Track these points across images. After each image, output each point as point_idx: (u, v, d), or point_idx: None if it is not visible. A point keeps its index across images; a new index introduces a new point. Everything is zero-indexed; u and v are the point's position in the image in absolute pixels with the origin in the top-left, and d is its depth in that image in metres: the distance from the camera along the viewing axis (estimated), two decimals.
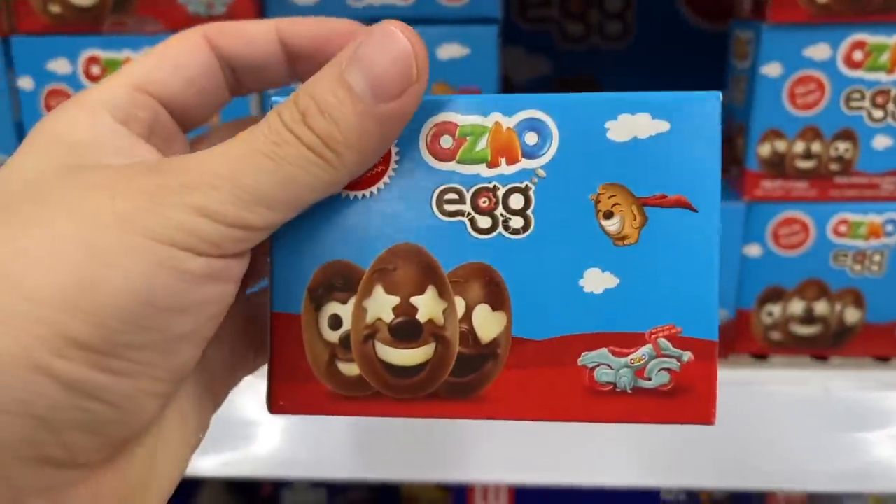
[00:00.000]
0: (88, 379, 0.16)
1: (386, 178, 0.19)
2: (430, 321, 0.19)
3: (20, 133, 0.39)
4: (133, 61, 0.20)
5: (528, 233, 0.19)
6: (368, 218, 0.19)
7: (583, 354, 0.19)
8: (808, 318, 0.40)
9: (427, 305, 0.19)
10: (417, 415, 0.20)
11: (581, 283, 0.19)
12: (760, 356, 0.42)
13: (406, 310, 0.19)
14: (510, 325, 0.19)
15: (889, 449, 0.40)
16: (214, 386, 0.21)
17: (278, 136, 0.17)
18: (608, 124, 0.19)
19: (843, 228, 0.39)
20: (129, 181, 0.16)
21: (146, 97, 0.20)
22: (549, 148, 0.19)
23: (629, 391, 0.19)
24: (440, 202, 0.19)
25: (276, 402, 0.20)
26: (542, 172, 0.19)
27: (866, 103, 0.37)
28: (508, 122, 0.19)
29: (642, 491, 0.45)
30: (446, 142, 0.19)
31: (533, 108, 0.19)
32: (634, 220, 0.19)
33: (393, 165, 0.19)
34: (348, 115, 0.17)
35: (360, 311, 0.19)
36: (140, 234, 0.16)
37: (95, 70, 0.38)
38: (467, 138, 0.19)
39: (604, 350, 0.19)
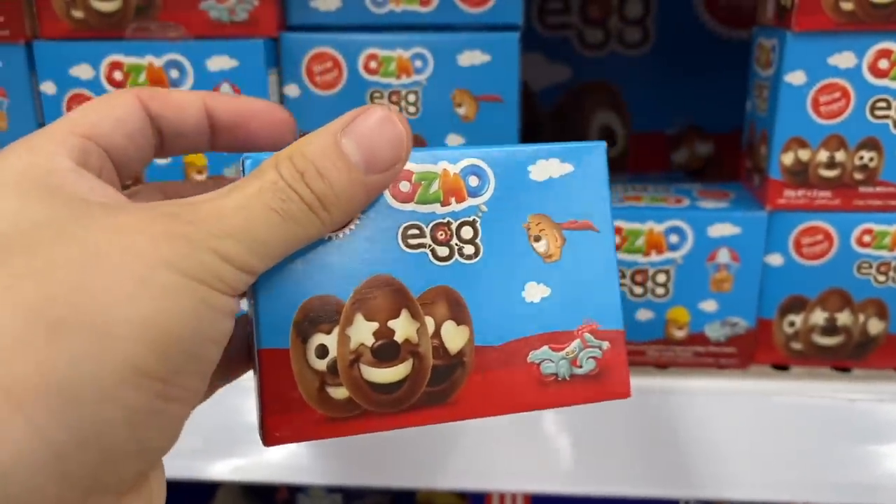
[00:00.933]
0: (151, 407, 0.17)
1: (357, 220, 0.22)
2: (407, 340, 0.22)
3: None
4: (73, 113, 0.21)
5: (478, 258, 0.23)
6: (344, 255, 0.22)
7: (531, 353, 0.23)
8: (831, 328, 0.40)
9: (402, 327, 0.22)
10: (402, 426, 0.22)
11: (523, 294, 0.23)
12: (781, 367, 0.42)
13: (385, 333, 0.22)
14: (473, 336, 0.23)
15: None
16: None
17: (283, 193, 0.19)
18: (530, 168, 0.23)
19: (867, 238, 0.38)
20: (157, 226, 0.18)
21: (95, 146, 0.21)
22: (487, 188, 0.23)
23: (568, 378, 0.23)
24: (405, 237, 0.22)
25: (271, 435, 0.21)
26: (484, 208, 0.23)
27: (892, 112, 0.36)
28: (454, 169, 0.23)
29: (658, 500, 0.45)
30: (405, 187, 0.22)
31: (472, 158, 0.23)
32: (557, 241, 0.23)
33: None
34: (343, 181, 0.20)
35: (344, 339, 0.22)
36: (184, 275, 0.17)
37: (118, 75, 0.38)
38: (422, 183, 0.22)
39: (546, 347, 0.23)
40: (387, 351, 0.22)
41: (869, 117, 0.37)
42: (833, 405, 0.39)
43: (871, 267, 0.39)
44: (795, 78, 0.37)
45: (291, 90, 0.39)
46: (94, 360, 0.16)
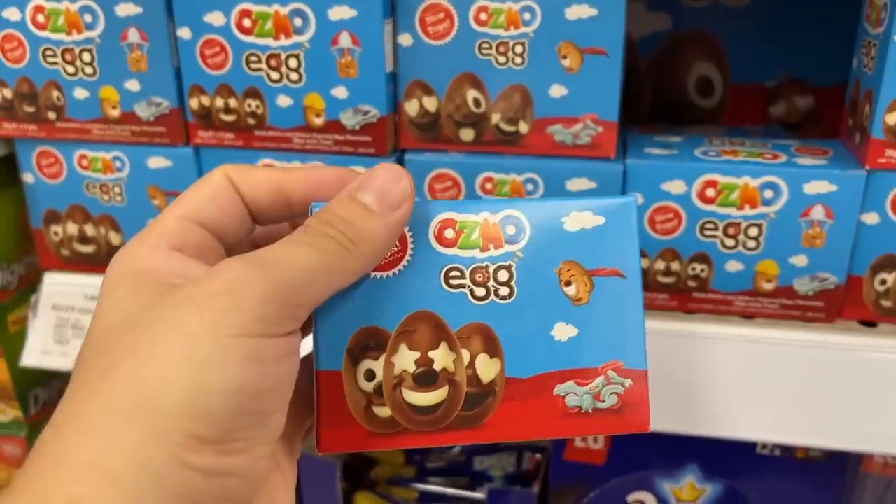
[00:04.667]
0: (218, 463, 0.20)
1: (405, 262, 0.25)
2: (444, 369, 0.25)
3: (178, 78, 0.43)
4: (180, 196, 0.25)
5: (512, 299, 0.25)
6: (393, 292, 0.25)
7: (556, 387, 0.25)
8: None
9: (441, 357, 0.25)
10: (437, 444, 0.25)
11: (552, 333, 0.25)
12: (869, 323, 0.42)
13: (425, 361, 0.25)
14: (504, 369, 0.25)
15: None
16: (293, 437, 0.26)
17: (314, 233, 0.23)
18: (563, 219, 0.25)
19: None
20: (204, 288, 0.21)
21: (192, 224, 0.24)
22: (524, 237, 0.25)
23: (591, 411, 0.26)
24: (447, 278, 0.25)
25: (324, 444, 0.25)
26: (520, 254, 0.25)
27: None
28: (494, 219, 0.25)
29: (738, 442, 0.47)
30: (449, 233, 0.25)
31: (511, 209, 0.25)
32: (586, 286, 0.25)
33: (409, 251, 0.25)
34: (362, 220, 0.23)
35: (389, 365, 0.25)
36: (225, 333, 0.20)
37: (247, 22, 0.41)
38: (464, 230, 0.25)
39: (571, 382, 0.25)
40: (426, 377, 0.25)
41: None
42: None
43: None
44: None
45: (405, 39, 0.41)
46: (159, 440, 0.20)
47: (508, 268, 0.25)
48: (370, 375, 0.25)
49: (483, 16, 0.40)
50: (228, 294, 0.21)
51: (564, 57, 0.40)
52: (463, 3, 0.40)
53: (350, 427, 0.25)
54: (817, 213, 0.40)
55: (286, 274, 0.21)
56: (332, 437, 0.25)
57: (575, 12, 0.39)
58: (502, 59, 0.41)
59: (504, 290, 0.25)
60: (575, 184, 0.42)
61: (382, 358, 0.25)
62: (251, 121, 0.43)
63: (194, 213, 0.25)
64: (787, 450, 0.49)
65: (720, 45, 0.55)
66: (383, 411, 0.25)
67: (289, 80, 0.42)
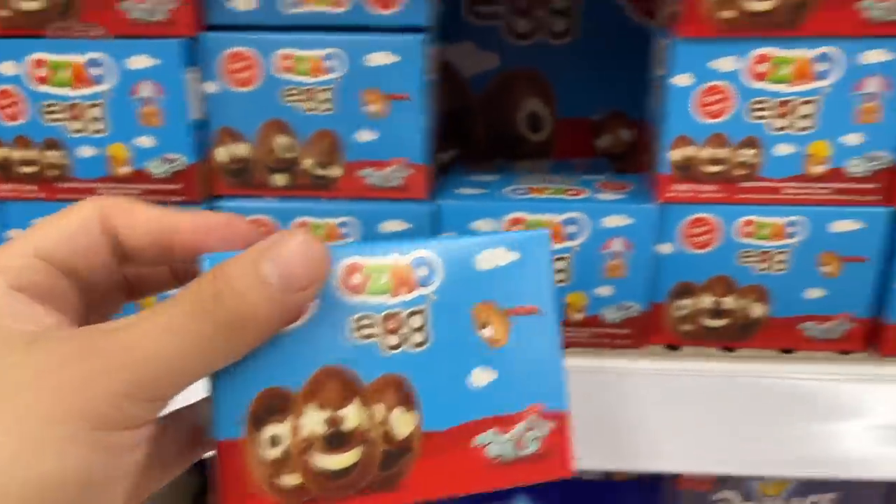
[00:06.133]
0: None
1: (309, 313, 0.23)
2: (356, 428, 0.23)
3: None
4: (31, 229, 0.22)
5: (427, 346, 0.24)
6: (297, 347, 0.23)
7: (476, 437, 0.24)
8: (717, 311, 0.43)
9: (352, 416, 0.23)
10: None
11: (469, 380, 0.24)
12: (673, 346, 0.45)
13: (336, 421, 0.23)
14: (421, 422, 0.24)
15: (794, 433, 0.43)
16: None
17: (198, 317, 0.20)
18: (476, 258, 0.24)
19: (748, 229, 0.41)
20: (61, 369, 0.19)
21: (43, 263, 0.22)
22: (436, 278, 0.24)
23: (512, 460, 0.24)
24: (356, 328, 0.23)
25: None
26: (433, 297, 0.24)
27: (767, 113, 0.39)
28: (404, 261, 0.24)
29: None
30: (356, 279, 0.23)
31: (422, 249, 0.24)
32: (503, 326, 0.24)
33: (314, 301, 0.23)
34: (258, 299, 0.20)
35: (296, 429, 0.23)
36: (76, 420, 0.19)
37: (42, 72, 0.40)
38: (372, 275, 0.24)
39: (491, 431, 0.24)
40: (337, 439, 0.23)
41: (746, 118, 0.39)
42: (718, 382, 0.43)
43: (752, 255, 0.42)
44: (682, 80, 0.39)
45: (210, 87, 0.41)
46: None
47: (422, 312, 0.24)
48: (275, 441, 0.23)
49: (287, 63, 0.40)
50: (80, 382, 0.19)
51: (369, 103, 0.41)
52: (266, 50, 0.40)
53: (256, 500, 0.23)
54: (617, 245, 0.42)
55: (147, 369, 0.19)
56: None
57: (377, 59, 0.40)
58: (309, 105, 0.41)
59: (418, 337, 0.24)
60: (389, 226, 0.43)
61: (289, 421, 0.23)
62: (53, 172, 0.41)
63: (42, 251, 0.22)
64: (607, 474, 0.51)
65: (547, 82, 0.57)
66: (292, 479, 0.23)
67: (90, 130, 0.41)
